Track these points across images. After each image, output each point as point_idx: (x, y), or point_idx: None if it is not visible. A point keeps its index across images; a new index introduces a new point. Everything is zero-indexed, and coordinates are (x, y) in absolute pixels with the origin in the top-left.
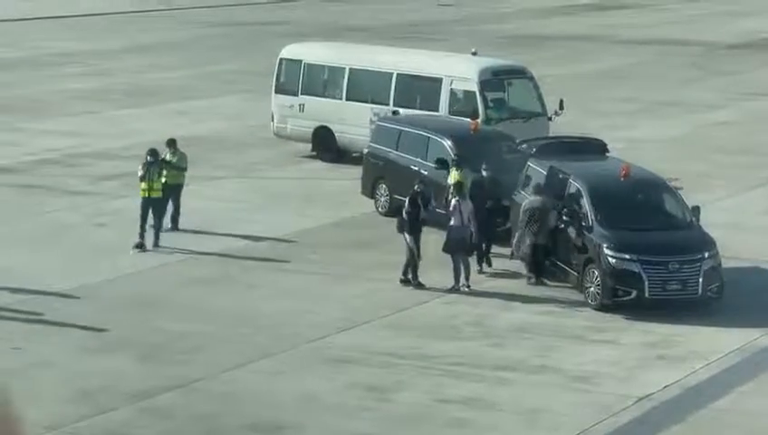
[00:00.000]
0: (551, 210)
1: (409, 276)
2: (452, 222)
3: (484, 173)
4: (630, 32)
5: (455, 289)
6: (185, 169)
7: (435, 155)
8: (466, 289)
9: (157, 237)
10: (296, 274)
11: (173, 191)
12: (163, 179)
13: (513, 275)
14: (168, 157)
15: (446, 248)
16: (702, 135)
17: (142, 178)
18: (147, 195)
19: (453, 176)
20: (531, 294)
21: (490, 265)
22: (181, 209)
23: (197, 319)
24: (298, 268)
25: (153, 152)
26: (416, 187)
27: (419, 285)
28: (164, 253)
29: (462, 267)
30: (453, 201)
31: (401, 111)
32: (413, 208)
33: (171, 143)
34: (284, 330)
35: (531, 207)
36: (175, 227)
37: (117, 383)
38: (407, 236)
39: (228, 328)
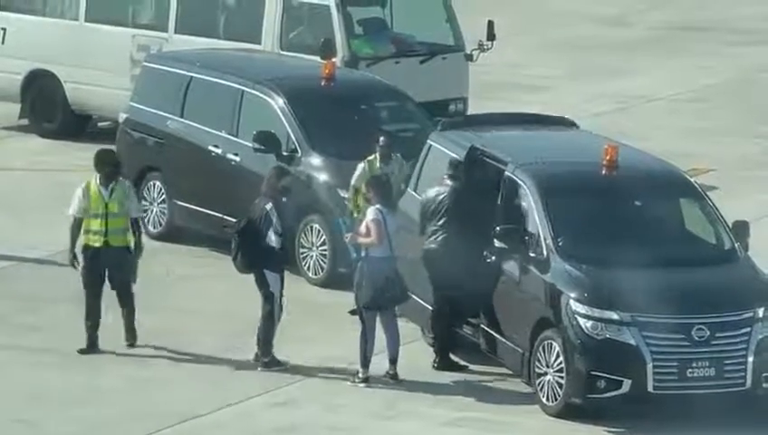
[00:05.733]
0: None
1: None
2: (373, 252)
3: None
4: None
5: (360, 378)
6: None
7: (254, 127)
8: (391, 379)
9: None
10: None
11: None
12: None
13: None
14: None
15: (365, 302)
16: (755, 85)
17: None
18: None
19: (367, 167)
20: (429, 388)
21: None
22: None
23: None
24: None
25: None
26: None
27: (271, 365)
28: None
29: (388, 337)
30: (371, 213)
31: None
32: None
33: None
34: None
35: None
36: None
37: None
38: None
39: None
